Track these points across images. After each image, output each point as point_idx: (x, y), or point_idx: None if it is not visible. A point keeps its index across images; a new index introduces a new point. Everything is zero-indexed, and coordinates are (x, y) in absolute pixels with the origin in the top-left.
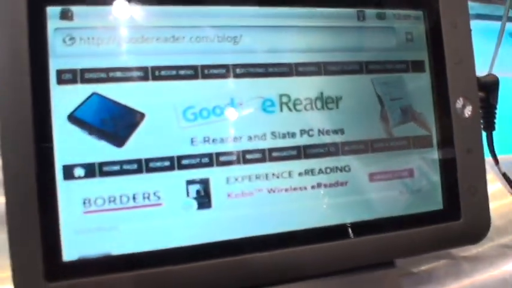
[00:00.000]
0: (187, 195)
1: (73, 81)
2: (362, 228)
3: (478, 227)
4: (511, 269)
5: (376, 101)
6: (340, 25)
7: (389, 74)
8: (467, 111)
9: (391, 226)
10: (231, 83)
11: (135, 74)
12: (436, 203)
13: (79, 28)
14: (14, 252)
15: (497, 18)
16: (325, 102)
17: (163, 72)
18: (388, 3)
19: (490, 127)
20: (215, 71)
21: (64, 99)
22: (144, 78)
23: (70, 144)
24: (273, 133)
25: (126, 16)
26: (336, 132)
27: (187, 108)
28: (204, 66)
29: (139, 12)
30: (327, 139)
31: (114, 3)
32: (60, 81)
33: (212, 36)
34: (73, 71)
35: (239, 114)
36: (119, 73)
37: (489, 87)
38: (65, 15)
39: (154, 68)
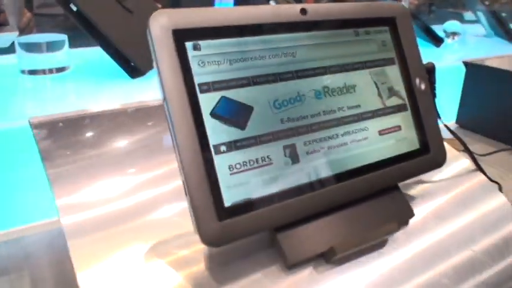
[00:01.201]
0: (285, 155)
1: (208, 90)
2: (380, 165)
3: (441, 157)
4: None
5: (374, 85)
6: (347, 40)
7: (377, 67)
8: (422, 86)
9: (394, 161)
10: (294, 82)
11: (243, 82)
12: (415, 145)
13: (205, 55)
14: (195, 206)
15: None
16: (347, 89)
17: (258, 79)
18: (369, 24)
19: (433, 96)
20: (286, 76)
21: (206, 102)
22: (248, 84)
23: (215, 131)
24: (324, 111)
25: (232, 46)
26: (356, 107)
27: (275, 101)
28: (279, 74)
29: (240, 42)
30: (352, 111)
31: (224, 39)
32: (202, 90)
33: (281, 54)
34: (208, 84)
35: (302, 102)
36: (233, 82)
37: (429, 70)
38: (196, 47)
39: (253, 77)
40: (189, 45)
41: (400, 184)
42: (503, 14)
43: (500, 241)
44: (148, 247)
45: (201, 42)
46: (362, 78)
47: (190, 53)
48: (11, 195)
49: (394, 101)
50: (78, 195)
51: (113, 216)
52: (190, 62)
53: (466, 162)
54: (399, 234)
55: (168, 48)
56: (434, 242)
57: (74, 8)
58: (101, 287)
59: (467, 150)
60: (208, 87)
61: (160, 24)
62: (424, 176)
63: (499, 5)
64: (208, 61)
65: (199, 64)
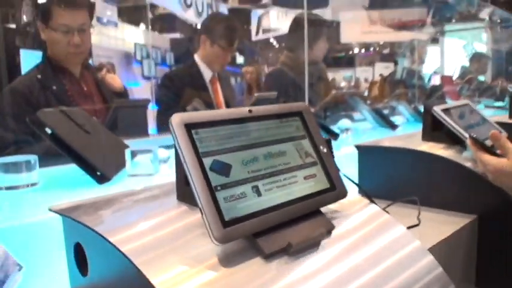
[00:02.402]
0: (253, 192)
1: (207, 156)
2: (307, 197)
3: (343, 192)
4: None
5: (296, 151)
6: (276, 125)
7: (296, 140)
8: (325, 150)
9: (315, 195)
10: (252, 150)
11: (225, 151)
12: (327, 185)
13: (203, 137)
14: (209, 221)
15: None
16: (282, 153)
17: (233, 149)
18: (287, 116)
19: (332, 157)
20: (247, 146)
21: (207, 162)
22: (228, 152)
23: (213, 178)
24: (271, 166)
25: (217, 131)
26: (288, 163)
27: (243, 161)
28: (244, 146)
29: (221, 128)
30: (286, 166)
31: (212, 127)
32: (203, 156)
33: (244, 134)
34: (206, 152)
35: (258, 161)
36: (219, 151)
37: (327, 141)
38: (197, 133)
39: (230, 148)
40: (193, 131)
41: (324, 210)
42: (385, 111)
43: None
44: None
45: (200, 130)
46: (289, 147)
47: (195, 136)
48: None
49: (309, 160)
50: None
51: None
52: (195, 141)
53: (366, 203)
54: (327, 239)
55: (183, 133)
56: (346, 246)
57: (49, 131)
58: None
59: (366, 196)
60: (206, 154)
61: (177, 121)
62: (338, 208)
63: (382, 104)
64: (205, 140)
65: (200, 141)
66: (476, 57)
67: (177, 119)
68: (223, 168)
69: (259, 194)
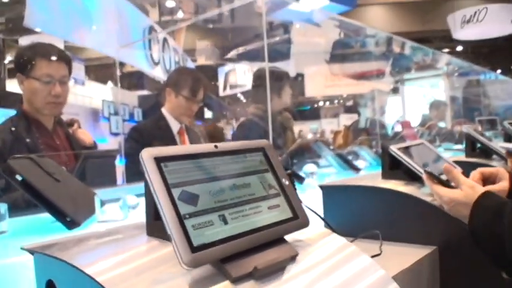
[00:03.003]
0: (220, 220)
1: (176, 186)
2: (272, 225)
3: (306, 221)
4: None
5: (260, 183)
6: (241, 160)
7: (260, 173)
8: (287, 183)
9: (279, 223)
10: (219, 182)
11: (192, 182)
12: (290, 214)
13: (171, 169)
14: (178, 247)
15: None
16: (246, 185)
17: (200, 181)
18: (251, 151)
19: (294, 189)
20: (213, 178)
21: (176, 193)
22: (195, 183)
23: (182, 207)
24: (237, 197)
25: (184, 164)
26: (253, 194)
27: (210, 191)
28: (210, 178)
29: (188, 162)
30: (251, 197)
31: (179, 161)
32: (172, 186)
33: (210, 167)
34: (174, 183)
35: (224, 192)
36: (187, 182)
37: (289, 175)
38: (166, 166)
39: (197, 180)
40: (162, 164)
41: (290, 240)
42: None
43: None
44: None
45: (168, 163)
46: (253, 179)
47: (164, 168)
48: None
49: (273, 191)
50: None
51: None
52: (165, 173)
53: (330, 234)
54: (292, 265)
55: (153, 166)
56: (311, 272)
57: (20, 178)
58: None
59: (331, 228)
60: (175, 185)
61: (147, 156)
62: (304, 237)
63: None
64: (173, 172)
65: (169, 173)
66: (435, 105)
67: (147, 153)
68: (191, 198)
69: (225, 222)
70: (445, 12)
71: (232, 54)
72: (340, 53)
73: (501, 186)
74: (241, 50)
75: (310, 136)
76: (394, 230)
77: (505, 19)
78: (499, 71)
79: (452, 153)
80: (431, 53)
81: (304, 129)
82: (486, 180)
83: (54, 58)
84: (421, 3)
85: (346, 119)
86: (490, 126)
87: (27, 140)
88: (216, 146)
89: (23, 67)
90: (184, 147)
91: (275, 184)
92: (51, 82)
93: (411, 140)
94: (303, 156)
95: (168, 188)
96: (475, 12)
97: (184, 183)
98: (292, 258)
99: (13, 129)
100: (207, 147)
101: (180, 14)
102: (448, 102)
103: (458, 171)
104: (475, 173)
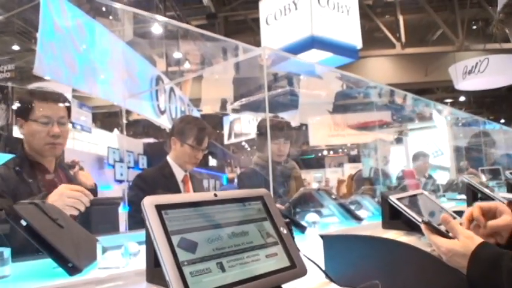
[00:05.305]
0: (217, 268)
1: (175, 233)
2: (269, 273)
3: (303, 270)
4: None
5: (258, 232)
6: (239, 208)
7: (258, 222)
8: (285, 231)
9: (276, 272)
10: (217, 230)
11: (191, 230)
12: (287, 263)
13: (172, 217)
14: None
15: None
16: (245, 233)
17: (198, 228)
18: (250, 200)
19: (292, 238)
20: (212, 227)
21: (175, 240)
22: (193, 231)
23: (181, 254)
24: (234, 245)
25: (184, 212)
26: (251, 242)
27: (208, 239)
28: (209, 225)
29: (187, 210)
30: (249, 245)
31: (179, 209)
32: (172, 233)
33: (209, 215)
34: (174, 230)
35: (222, 240)
36: (186, 230)
37: (287, 224)
38: (166, 213)
39: (195, 227)
40: (163, 212)
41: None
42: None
43: None
44: None
45: (168, 211)
46: (251, 228)
47: (164, 216)
48: None
49: (271, 240)
50: None
51: None
52: (165, 220)
53: (329, 283)
54: None
55: (153, 213)
56: None
57: (24, 223)
58: None
59: (330, 279)
60: (175, 232)
61: (149, 203)
62: (300, 286)
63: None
64: (173, 219)
65: (169, 221)
66: (415, 156)
67: (148, 201)
68: (190, 246)
69: (223, 269)
70: (447, 64)
71: (236, 104)
72: (343, 103)
73: (504, 220)
74: (244, 100)
75: (314, 185)
76: (394, 280)
77: (506, 69)
78: (502, 120)
79: (455, 203)
80: (433, 105)
81: (308, 178)
82: (485, 215)
83: (52, 100)
84: (423, 55)
85: (350, 168)
86: (493, 176)
87: (30, 181)
88: (215, 195)
89: (22, 111)
90: (185, 195)
91: (273, 233)
92: (50, 123)
93: (413, 190)
94: (307, 205)
95: (167, 235)
96: (477, 63)
97: (184, 230)
98: None
99: (17, 168)
100: (207, 195)
101: (186, 65)
102: (450, 152)
103: (456, 221)
104: (475, 209)
